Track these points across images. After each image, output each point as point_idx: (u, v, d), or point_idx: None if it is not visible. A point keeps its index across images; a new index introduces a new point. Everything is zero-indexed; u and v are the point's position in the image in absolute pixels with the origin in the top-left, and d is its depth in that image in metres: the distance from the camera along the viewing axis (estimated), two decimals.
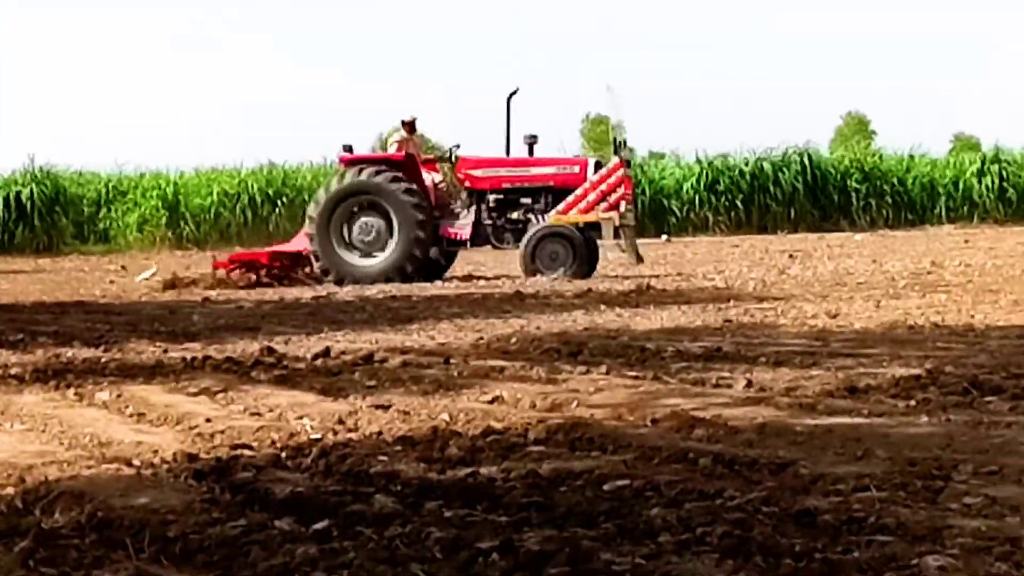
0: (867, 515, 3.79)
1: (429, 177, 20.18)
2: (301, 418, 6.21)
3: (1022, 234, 32.00)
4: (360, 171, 19.58)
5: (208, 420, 6.18)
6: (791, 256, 23.73)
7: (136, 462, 5.26)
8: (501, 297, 15.01)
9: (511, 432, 5.57)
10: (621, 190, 19.24)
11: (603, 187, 19.24)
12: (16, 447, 5.76)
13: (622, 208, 19.11)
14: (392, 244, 19.46)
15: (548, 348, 8.86)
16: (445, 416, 6.10)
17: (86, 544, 3.93)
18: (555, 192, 19.61)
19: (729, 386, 6.87)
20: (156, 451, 5.38)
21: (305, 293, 17.18)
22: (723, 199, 42.40)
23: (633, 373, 7.46)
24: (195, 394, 7.30)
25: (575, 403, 6.40)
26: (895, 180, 43.56)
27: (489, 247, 20.46)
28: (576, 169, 19.92)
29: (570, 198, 19.29)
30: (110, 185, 43.43)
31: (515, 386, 7.06)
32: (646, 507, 4.05)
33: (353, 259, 19.55)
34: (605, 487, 4.39)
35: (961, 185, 43.63)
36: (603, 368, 7.68)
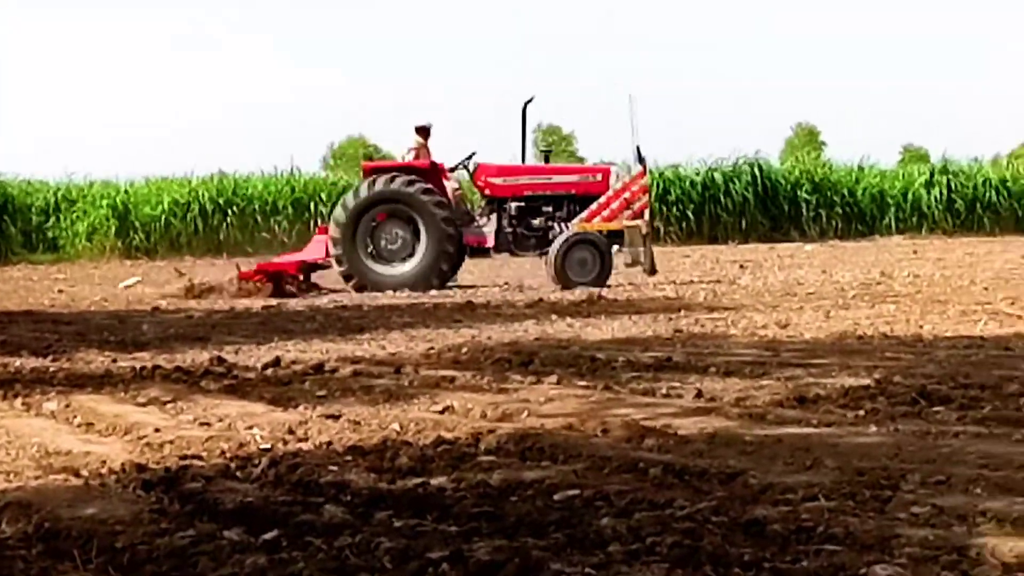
0: (816, 524, 3.81)
1: (448, 185, 20.14)
2: (251, 428, 6.19)
3: (970, 245, 32.27)
4: (392, 179, 19.39)
5: (157, 430, 6.15)
6: (741, 266, 23.81)
7: (84, 472, 5.22)
8: (452, 307, 14.99)
9: (461, 442, 5.56)
10: (645, 198, 19.44)
11: (627, 195, 19.39)
12: None
13: (646, 216, 19.29)
14: (420, 253, 19.33)
15: (499, 358, 8.86)
16: (395, 426, 6.10)
17: (33, 555, 3.90)
18: (577, 200, 19.71)
19: (679, 396, 6.89)
20: (104, 461, 5.35)
21: (256, 303, 17.08)
22: (674, 209, 42.46)
23: (584, 383, 7.47)
24: (144, 404, 7.26)
25: (526, 413, 6.40)
26: (845, 191, 43.75)
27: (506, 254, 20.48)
28: (599, 177, 20.02)
29: (593, 206, 19.40)
30: (59, 194, 43.13)
31: (466, 396, 7.06)
32: (596, 517, 4.06)
33: (377, 267, 19.47)
34: (555, 497, 4.40)
35: (910, 196, 43.87)
36: (554, 378, 7.69)
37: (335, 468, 5.05)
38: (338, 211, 19.89)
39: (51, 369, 9.09)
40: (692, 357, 8.61)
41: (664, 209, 42.51)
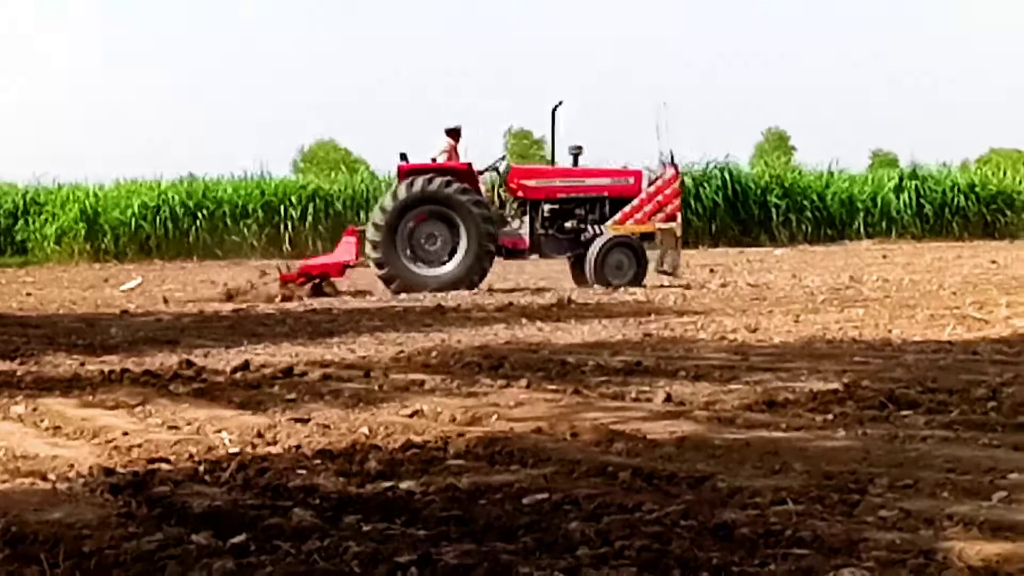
0: (784, 528, 3.82)
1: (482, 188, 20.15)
2: (219, 432, 6.17)
3: (938, 250, 32.43)
4: (431, 180, 19.30)
5: (125, 434, 6.13)
6: (711, 270, 23.86)
7: (51, 476, 5.20)
8: (422, 310, 14.99)
9: (431, 446, 5.56)
10: (677, 201, 19.62)
11: (660, 198, 19.60)
12: None
13: (679, 219, 19.37)
14: (460, 254, 19.32)
15: (469, 362, 8.86)
16: (365, 430, 6.09)
17: None
18: (610, 202, 19.83)
19: (649, 400, 6.90)
20: (72, 465, 5.33)
21: (225, 307, 17.02)
22: None
23: (553, 387, 7.48)
24: (112, 407, 7.24)
25: (495, 417, 6.40)
26: (815, 196, 43.84)
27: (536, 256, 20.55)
28: (631, 180, 20.14)
29: (626, 208, 19.61)
30: (27, 197, 42.92)
31: (435, 400, 7.06)
32: (565, 521, 4.06)
33: (419, 268, 19.43)
34: (524, 501, 4.40)
35: (879, 201, 43.99)
36: (523, 382, 7.69)
37: (304, 472, 5.05)
38: (376, 213, 19.77)
39: (19, 373, 9.05)
40: (661, 361, 8.62)
41: None
